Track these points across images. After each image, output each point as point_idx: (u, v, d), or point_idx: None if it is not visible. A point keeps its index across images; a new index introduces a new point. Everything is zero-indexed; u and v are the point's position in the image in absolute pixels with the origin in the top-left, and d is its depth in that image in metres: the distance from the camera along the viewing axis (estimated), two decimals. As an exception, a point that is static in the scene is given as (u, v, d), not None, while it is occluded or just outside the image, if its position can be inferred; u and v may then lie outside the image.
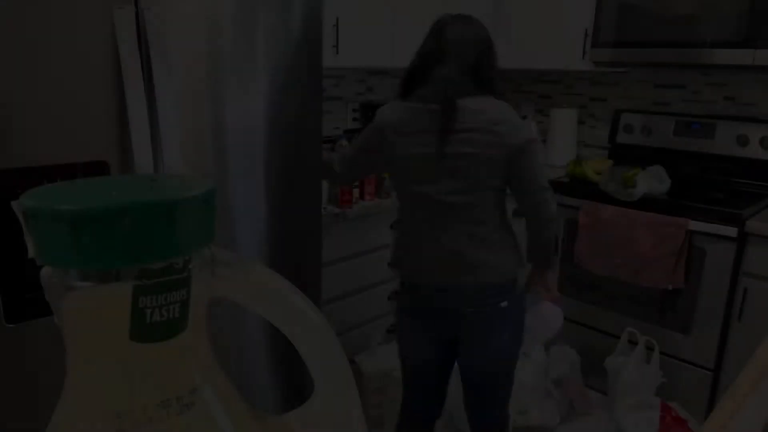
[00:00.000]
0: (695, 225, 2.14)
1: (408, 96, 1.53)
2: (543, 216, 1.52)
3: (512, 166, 1.44)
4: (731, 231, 2.07)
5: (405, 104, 1.52)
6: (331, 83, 2.77)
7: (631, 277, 2.31)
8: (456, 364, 1.64)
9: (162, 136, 1.34)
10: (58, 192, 0.28)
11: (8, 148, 1.19)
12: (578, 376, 2.34)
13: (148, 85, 1.32)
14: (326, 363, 0.39)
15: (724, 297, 2.14)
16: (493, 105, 1.44)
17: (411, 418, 1.72)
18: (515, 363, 1.61)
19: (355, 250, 2.29)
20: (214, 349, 0.35)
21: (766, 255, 2.06)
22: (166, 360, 0.31)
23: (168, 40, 1.34)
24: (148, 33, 1.30)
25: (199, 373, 0.32)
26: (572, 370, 2.33)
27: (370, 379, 2.21)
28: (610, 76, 2.96)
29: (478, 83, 1.47)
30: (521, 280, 1.57)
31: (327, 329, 0.38)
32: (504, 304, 1.49)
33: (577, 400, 2.35)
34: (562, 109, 3.01)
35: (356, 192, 2.25)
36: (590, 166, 2.60)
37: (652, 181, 2.36)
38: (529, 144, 1.44)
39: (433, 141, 1.44)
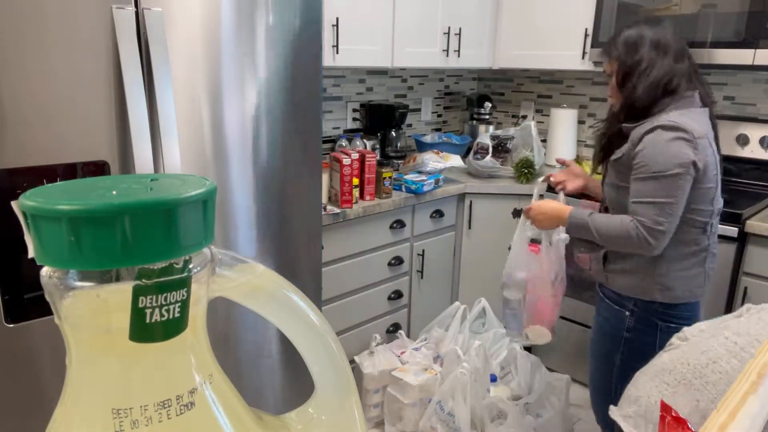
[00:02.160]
0: (695, 225, 2.15)
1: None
2: None
3: None
4: (731, 231, 2.07)
5: (694, 111, 1.45)
6: (331, 83, 2.77)
7: (631, 277, 2.30)
8: None
9: (162, 136, 1.34)
10: (58, 192, 0.28)
11: (8, 148, 1.19)
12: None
13: (148, 85, 1.32)
14: (326, 363, 0.39)
15: (724, 297, 2.14)
16: None
17: None
18: None
19: (355, 250, 2.29)
20: (221, 348, 0.34)
21: (766, 255, 2.06)
22: (166, 360, 0.31)
23: (168, 40, 1.34)
24: (148, 33, 1.30)
25: (199, 373, 0.32)
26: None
27: (370, 379, 2.21)
28: (610, 76, 2.97)
29: None
30: None
31: (327, 329, 0.38)
32: None
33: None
34: (562, 109, 3.01)
35: (356, 192, 2.26)
36: (590, 166, 2.59)
37: (652, 181, 2.36)
38: None
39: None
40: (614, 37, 1.53)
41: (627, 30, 1.51)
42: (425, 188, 2.44)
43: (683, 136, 1.37)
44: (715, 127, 1.49)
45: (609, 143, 1.54)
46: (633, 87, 1.45)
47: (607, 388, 1.62)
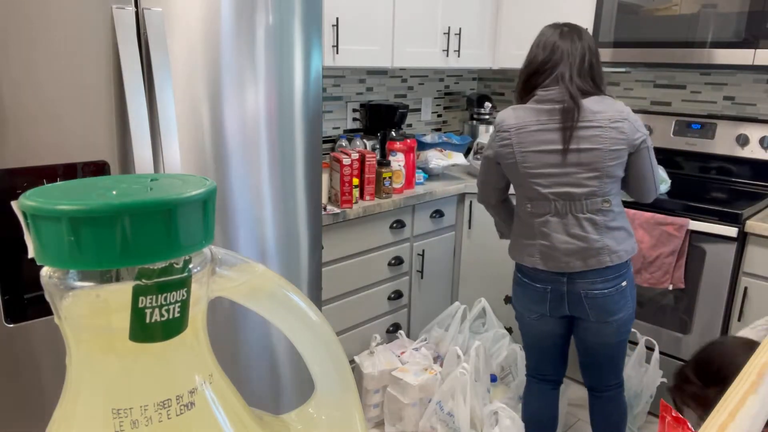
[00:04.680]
0: (695, 225, 2.14)
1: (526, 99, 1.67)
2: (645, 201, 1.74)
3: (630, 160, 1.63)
4: (731, 231, 2.07)
5: (527, 107, 1.64)
6: (331, 83, 2.77)
7: (631, 277, 2.31)
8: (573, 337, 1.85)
9: (162, 136, 1.34)
10: (58, 192, 0.28)
11: (8, 148, 1.19)
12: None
13: (148, 85, 1.32)
14: (326, 363, 0.39)
15: (724, 297, 2.14)
16: (610, 104, 1.60)
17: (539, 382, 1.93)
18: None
19: (355, 250, 2.29)
20: (221, 348, 0.34)
21: (766, 255, 2.06)
22: (166, 360, 0.30)
23: (168, 40, 1.34)
24: (148, 33, 1.30)
25: (199, 373, 0.32)
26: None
27: (370, 379, 2.21)
28: (610, 76, 2.96)
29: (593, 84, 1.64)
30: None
31: (327, 329, 0.38)
32: (624, 283, 1.67)
33: None
34: (562, 109, 3.01)
35: (356, 192, 2.26)
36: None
37: (652, 181, 2.36)
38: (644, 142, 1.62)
39: (558, 138, 1.59)
40: None
41: None
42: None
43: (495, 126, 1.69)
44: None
45: None
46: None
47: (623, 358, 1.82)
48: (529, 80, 1.66)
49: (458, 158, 2.65)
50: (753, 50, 2.16)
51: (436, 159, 2.57)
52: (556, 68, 1.61)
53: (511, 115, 1.65)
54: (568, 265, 1.64)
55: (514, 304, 1.83)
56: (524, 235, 1.71)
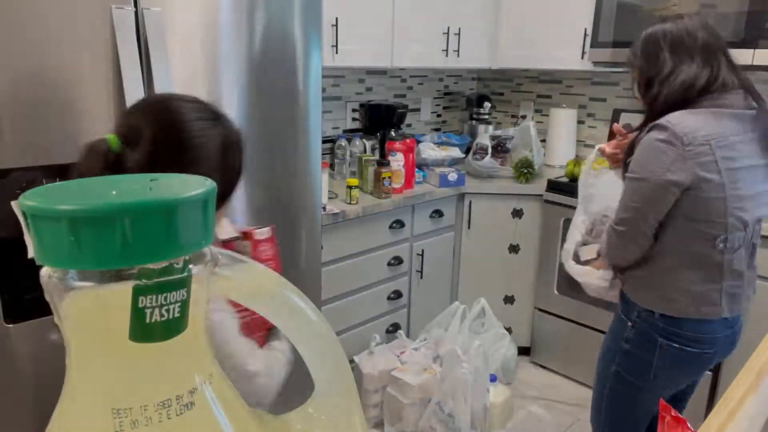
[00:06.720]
0: (695, 225, 2.14)
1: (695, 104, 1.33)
2: None
3: None
4: (731, 231, 2.07)
5: (707, 112, 1.31)
6: (331, 83, 2.77)
7: (631, 277, 2.30)
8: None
9: (162, 136, 1.34)
10: (58, 192, 0.28)
11: (8, 148, 1.19)
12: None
13: (147, 84, 1.32)
14: (326, 363, 0.39)
15: (724, 297, 2.14)
16: None
17: None
18: None
19: (355, 250, 2.29)
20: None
21: (766, 255, 2.06)
22: (166, 360, 0.31)
23: (168, 40, 1.34)
24: (148, 33, 1.30)
25: (199, 373, 0.32)
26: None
27: (370, 379, 2.21)
28: (610, 76, 2.96)
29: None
30: None
31: (327, 329, 0.38)
32: None
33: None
34: (561, 109, 3.01)
35: (356, 192, 2.25)
36: (586, 164, 2.59)
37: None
38: None
39: (755, 150, 1.32)
40: (637, 40, 1.47)
41: (645, 31, 1.44)
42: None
43: (670, 140, 1.26)
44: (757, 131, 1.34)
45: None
46: (656, 94, 1.38)
47: (598, 405, 1.55)
48: (690, 93, 1.33)
49: (454, 152, 2.67)
50: (752, 50, 2.16)
51: (428, 149, 2.59)
52: (720, 76, 1.32)
53: (691, 120, 1.28)
54: (747, 305, 1.41)
55: (643, 380, 1.44)
56: (701, 281, 1.34)
